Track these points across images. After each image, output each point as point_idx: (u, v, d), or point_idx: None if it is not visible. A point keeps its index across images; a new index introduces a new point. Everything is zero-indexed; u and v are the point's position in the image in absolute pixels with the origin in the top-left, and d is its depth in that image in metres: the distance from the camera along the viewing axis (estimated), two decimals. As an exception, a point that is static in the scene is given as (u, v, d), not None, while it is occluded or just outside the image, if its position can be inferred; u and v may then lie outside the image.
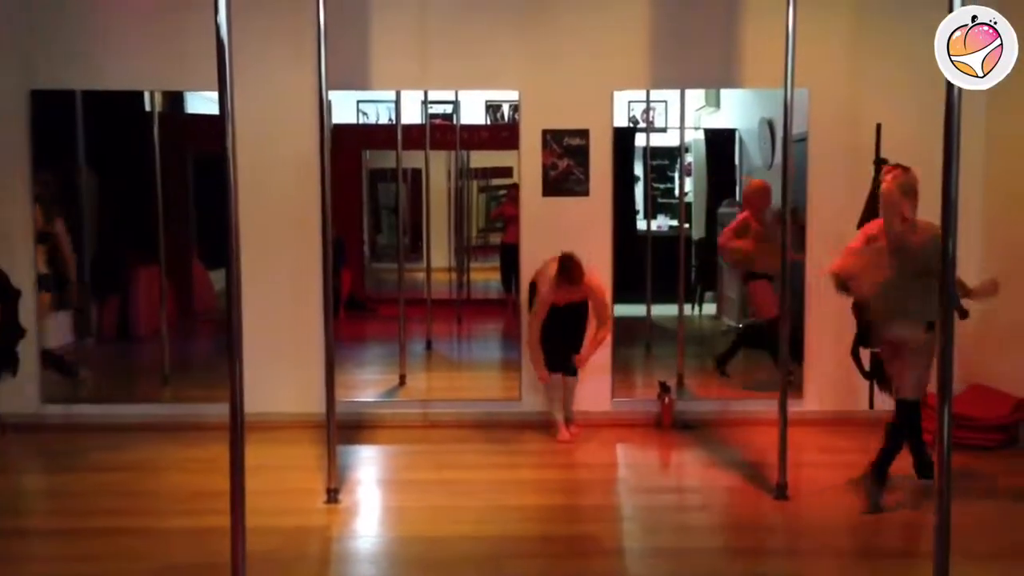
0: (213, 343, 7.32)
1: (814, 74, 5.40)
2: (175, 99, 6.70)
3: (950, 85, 2.47)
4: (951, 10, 2.43)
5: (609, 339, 5.62)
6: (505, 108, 8.37)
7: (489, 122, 8.44)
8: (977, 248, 5.53)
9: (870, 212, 5.06)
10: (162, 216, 6.35)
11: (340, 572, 3.85)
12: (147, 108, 6.41)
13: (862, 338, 5.10)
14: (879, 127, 5.19)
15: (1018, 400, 5.27)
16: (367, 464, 5.21)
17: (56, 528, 4.33)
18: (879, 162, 5.10)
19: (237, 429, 2.85)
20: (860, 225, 5.06)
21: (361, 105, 8.38)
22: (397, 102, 6.75)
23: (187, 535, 4.03)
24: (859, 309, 5.09)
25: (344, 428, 5.12)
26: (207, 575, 3.60)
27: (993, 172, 5.60)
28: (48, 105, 5.85)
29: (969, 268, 5.14)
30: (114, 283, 7.10)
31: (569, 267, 5.19)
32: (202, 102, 6.64)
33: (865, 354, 5.08)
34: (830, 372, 5.67)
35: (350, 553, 4.01)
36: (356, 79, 5.77)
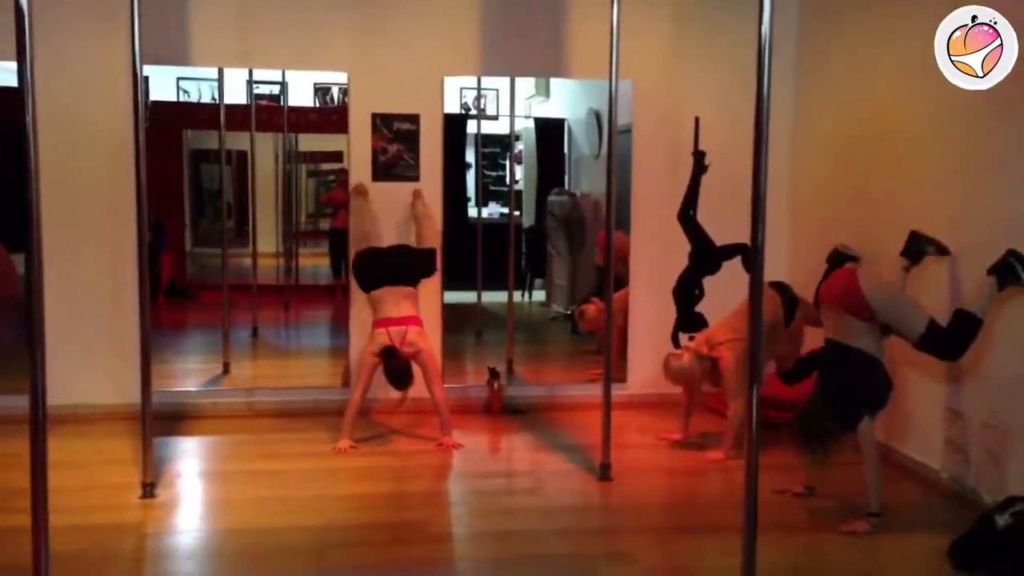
0: (15, 331, 6.84)
1: (638, 67, 5.57)
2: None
3: (760, 83, 2.59)
4: (761, 10, 2.55)
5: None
6: (335, 91, 8.20)
7: (318, 104, 8.26)
8: (784, 237, 5.87)
9: (690, 201, 5.30)
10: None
11: (156, 570, 3.67)
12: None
13: (682, 323, 5.35)
14: (697, 120, 5.42)
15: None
16: (187, 456, 5.01)
17: None
18: (697, 153, 5.34)
19: (38, 421, 2.68)
20: (681, 213, 5.30)
21: (181, 83, 8.00)
22: (220, 80, 6.48)
23: (-15, 537, 3.75)
24: (679, 296, 5.34)
25: (164, 419, 4.92)
26: (5, 579, 3.37)
27: (798, 168, 5.96)
28: None
29: (779, 259, 5.49)
30: None
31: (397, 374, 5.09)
32: (3, 74, 6.17)
33: (684, 339, 5.35)
34: (652, 357, 5.88)
35: (167, 549, 3.83)
36: (174, 54, 5.52)
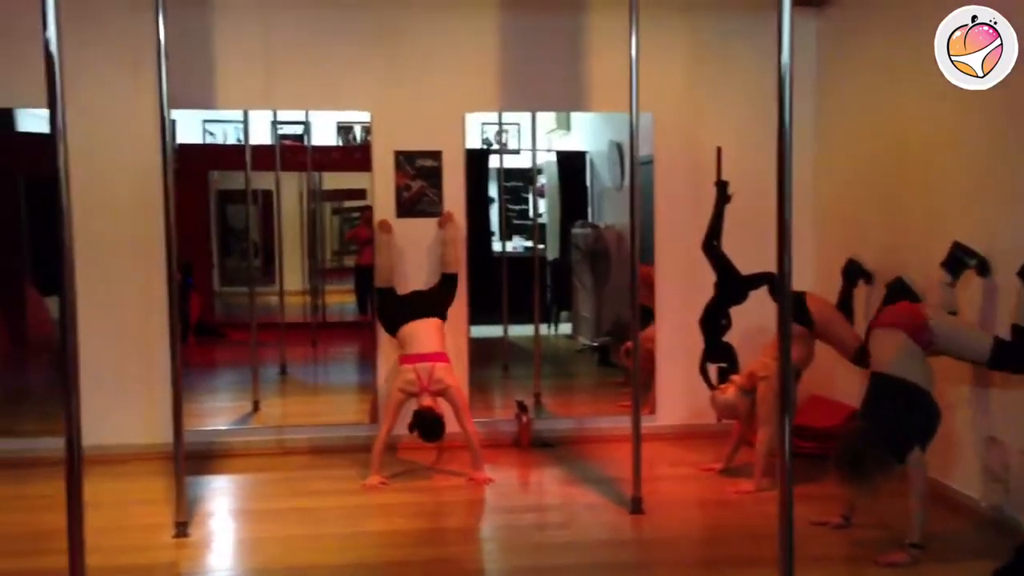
0: (49, 373, 6.91)
1: (657, 99, 5.61)
2: (4, 117, 6.33)
3: (781, 113, 2.59)
4: (780, 40, 2.56)
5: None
6: (357, 129, 8.30)
7: (341, 143, 8.35)
8: (810, 264, 5.85)
9: (714, 231, 5.30)
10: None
11: (189, 610, 3.69)
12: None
13: (709, 353, 5.33)
14: (719, 150, 5.42)
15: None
16: (219, 495, 5.02)
17: None
18: (720, 183, 5.34)
19: (74, 461, 2.70)
20: (705, 243, 5.29)
21: (207, 125, 8.13)
22: (245, 122, 6.58)
23: (21, 579, 3.78)
24: (705, 326, 5.31)
25: (195, 458, 4.94)
26: (43, 621, 3.39)
27: (821, 192, 5.95)
28: None
29: (805, 285, 5.46)
30: (-64, 312, 6.62)
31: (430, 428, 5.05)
32: (35, 120, 6.29)
33: (712, 369, 5.32)
34: (680, 388, 5.86)
35: (200, 589, 3.85)
36: (200, 97, 5.60)
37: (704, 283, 5.34)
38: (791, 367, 2.71)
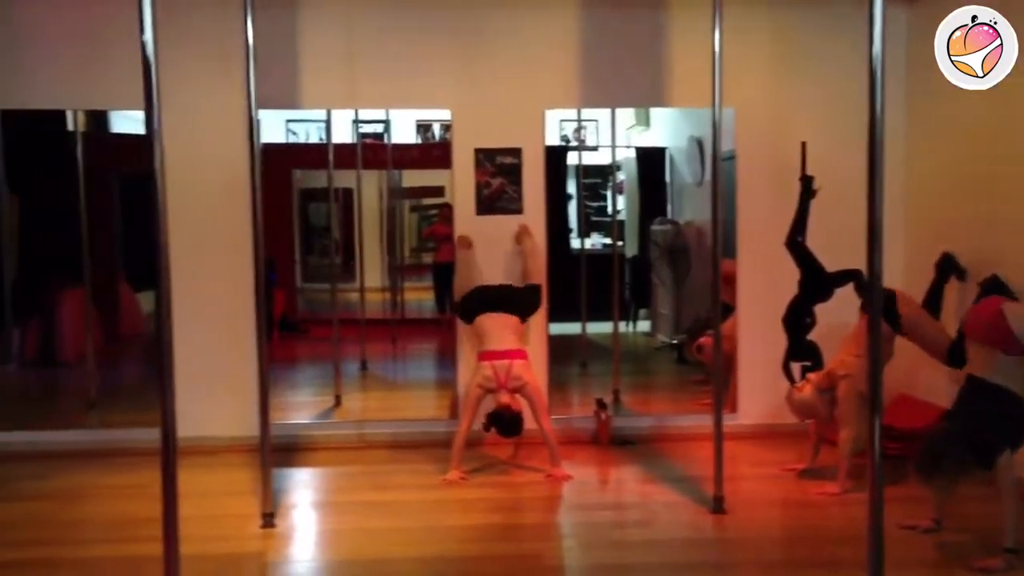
0: (141, 367, 7.16)
1: (740, 93, 5.52)
2: (99, 119, 6.56)
3: (872, 104, 2.53)
4: (872, 32, 2.50)
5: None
6: (436, 127, 8.38)
7: (420, 141, 8.44)
8: (899, 261, 5.69)
9: (799, 227, 5.20)
10: (87, 238, 6.18)
11: (277, 599, 3.78)
12: (70, 128, 6.26)
13: (793, 352, 5.24)
14: (804, 145, 5.32)
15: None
16: (303, 487, 5.13)
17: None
18: (805, 178, 5.24)
19: (169, 453, 2.78)
20: (789, 239, 5.20)
21: (290, 124, 8.31)
22: (328, 121, 6.70)
23: (118, 564, 3.93)
24: (789, 324, 5.23)
25: (279, 451, 5.03)
26: (138, 606, 3.51)
27: (912, 186, 5.79)
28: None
29: (894, 283, 5.31)
30: (37, 307, 6.90)
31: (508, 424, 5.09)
32: (128, 122, 6.51)
33: (796, 367, 5.23)
34: (761, 386, 5.77)
35: (287, 579, 3.94)
36: (285, 98, 5.71)
37: (787, 280, 5.25)
38: (880, 375, 2.65)
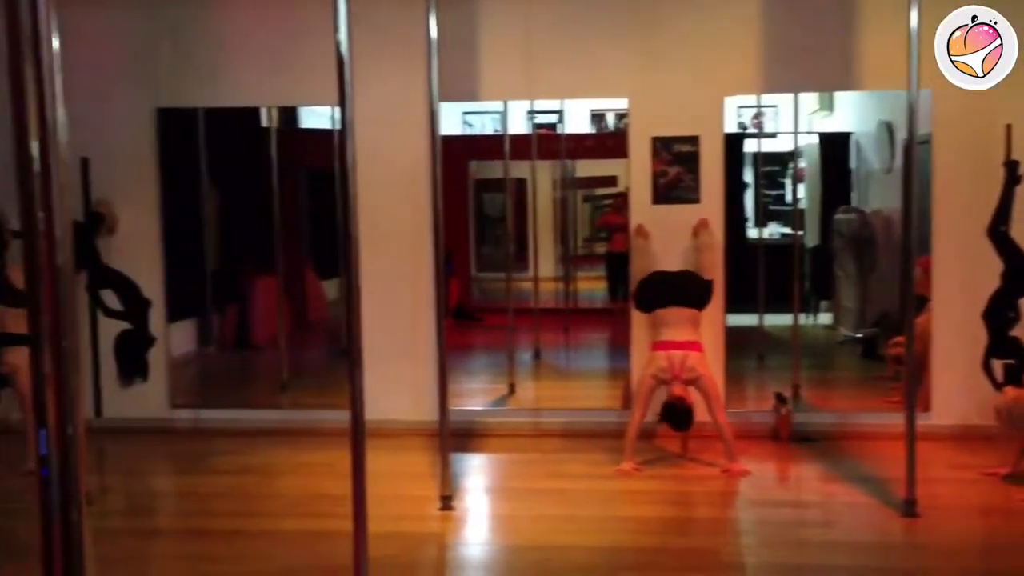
0: (326, 351, 7.50)
1: (937, 75, 5.18)
2: (289, 115, 6.91)
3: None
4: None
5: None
6: (610, 116, 8.34)
7: (593, 131, 8.43)
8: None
9: (1002, 215, 4.85)
10: (279, 228, 6.54)
11: (456, 580, 3.88)
12: (264, 124, 6.63)
13: (994, 349, 4.90)
14: (1008, 128, 4.95)
15: None
16: (479, 472, 5.24)
17: (182, 528, 4.52)
18: (1010, 164, 4.88)
19: (358, 434, 2.90)
20: (991, 228, 4.86)
21: (466, 116, 8.48)
22: (505, 113, 6.78)
23: (306, 538, 4.12)
24: (990, 319, 4.89)
25: (455, 436, 5.15)
26: (326, 579, 3.68)
27: None
28: (172, 123, 6.08)
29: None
30: (234, 294, 7.35)
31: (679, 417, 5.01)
32: (313, 117, 6.83)
33: (998, 366, 4.88)
34: (958, 384, 5.43)
35: (465, 560, 4.05)
36: (465, 91, 5.82)
37: (988, 272, 4.90)
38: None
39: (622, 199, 6.06)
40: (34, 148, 1.16)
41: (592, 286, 8.92)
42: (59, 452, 1.14)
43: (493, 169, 8.51)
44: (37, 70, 1.13)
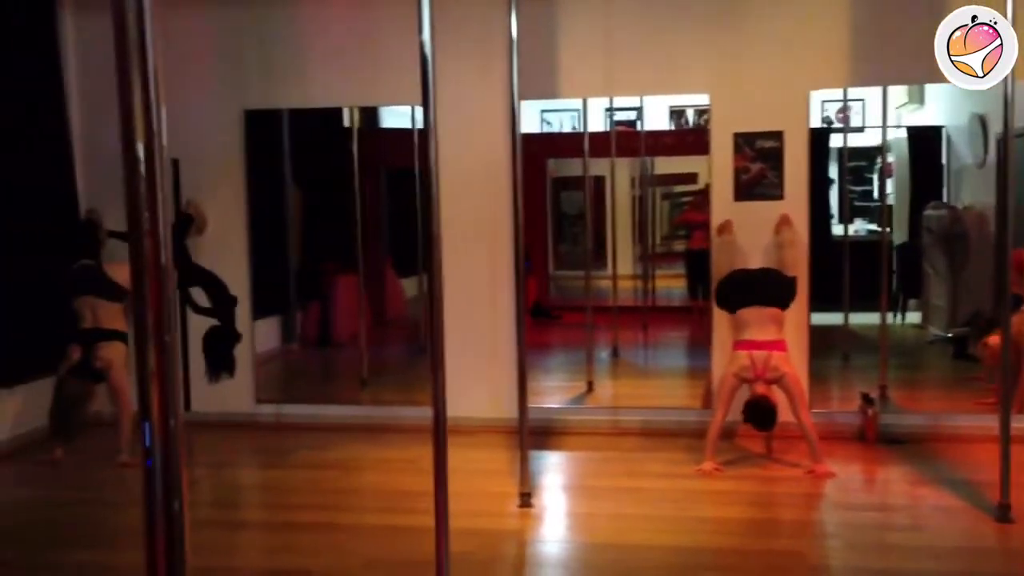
0: (406, 349, 7.59)
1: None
2: (370, 115, 7.01)
3: None
4: None
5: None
6: (689, 113, 8.25)
7: (672, 127, 8.34)
8: None
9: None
10: (359, 227, 6.64)
11: (535, 576, 3.89)
12: (346, 124, 6.74)
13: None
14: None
15: None
16: (557, 470, 5.24)
17: (266, 521, 4.62)
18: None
19: (440, 431, 2.93)
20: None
21: (544, 114, 8.49)
22: (584, 110, 6.76)
23: (388, 532, 4.18)
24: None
25: (533, 433, 5.16)
26: (408, 572, 3.73)
27: None
28: (258, 124, 6.22)
29: None
30: (316, 291, 7.50)
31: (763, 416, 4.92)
32: (395, 117, 6.91)
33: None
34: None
35: (544, 558, 4.05)
36: (545, 88, 5.81)
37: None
38: None
39: (702, 196, 5.98)
40: (140, 150, 1.20)
41: (671, 284, 8.85)
42: (162, 444, 1.18)
43: (572, 167, 8.51)
44: (143, 74, 1.17)
